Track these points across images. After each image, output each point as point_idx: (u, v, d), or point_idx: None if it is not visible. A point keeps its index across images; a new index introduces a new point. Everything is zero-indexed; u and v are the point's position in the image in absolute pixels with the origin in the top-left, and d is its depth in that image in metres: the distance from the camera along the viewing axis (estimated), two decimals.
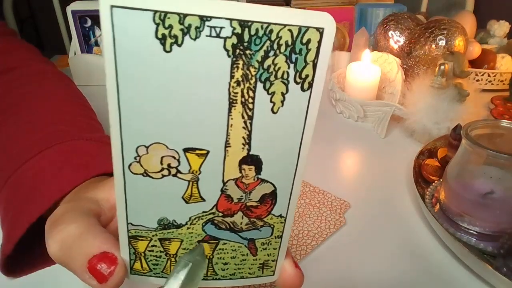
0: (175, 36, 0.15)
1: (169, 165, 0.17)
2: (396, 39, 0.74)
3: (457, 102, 0.56)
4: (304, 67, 0.16)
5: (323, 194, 0.48)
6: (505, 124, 0.41)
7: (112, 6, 0.14)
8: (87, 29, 0.75)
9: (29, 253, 0.27)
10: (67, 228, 0.20)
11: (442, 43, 0.66)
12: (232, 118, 0.17)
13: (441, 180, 0.45)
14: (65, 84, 0.41)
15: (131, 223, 0.19)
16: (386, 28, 0.75)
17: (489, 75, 0.77)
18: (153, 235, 0.19)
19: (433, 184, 0.48)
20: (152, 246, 0.20)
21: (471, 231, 0.39)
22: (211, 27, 0.14)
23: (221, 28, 0.15)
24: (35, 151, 0.28)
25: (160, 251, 0.20)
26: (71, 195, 0.25)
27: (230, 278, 0.22)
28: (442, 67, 0.57)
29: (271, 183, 0.19)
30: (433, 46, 0.67)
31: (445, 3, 1.29)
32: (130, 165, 0.17)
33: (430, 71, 0.66)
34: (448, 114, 0.56)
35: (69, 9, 0.72)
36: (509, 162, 0.37)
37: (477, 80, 0.78)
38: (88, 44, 0.76)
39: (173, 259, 0.20)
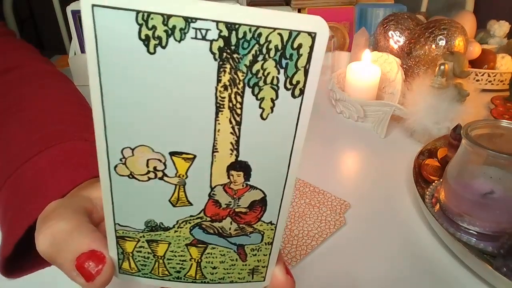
0: (159, 38, 0.14)
1: (155, 168, 0.17)
2: (396, 39, 0.74)
3: (457, 102, 0.56)
4: (295, 73, 0.15)
5: (323, 194, 0.48)
6: (505, 124, 0.41)
7: (94, 5, 0.13)
8: None
9: (29, 253, 0.27)
10: (58, 224, 0.20)
11: (442, 43, 0.66)
12: (219, 123, 0.16)
13: (441, 180, 0.45)
14: (65, 84, 0.41)
15: (118, 224, 0.19)
16: (386, 28, 0.75)
17: (489, 75, 0.77)
18: (140, 237, 0.19)
19: (433, 184, 0.48)
20: (140, 247, 0.20)
21: (471, 231, 0.39)
22: (196, 29, 0.14)
23: (207, 30, 0.14)
24: (34, 151, 0.28)
25: (148, 252, 0.20)
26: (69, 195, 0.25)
27: (219, 282, 0.21)
28: (442, 67, 0.57)
29: (260, 190, 0.18)
30: (433, 46, 0.67)
31: (445, 3, 1.28)
32: (116, 166, 0.17)
33: (430, 71, 0.66)
34: (448, 114, 0.56)
35: (69, 9, 0.72)
36: (509, 162, 0.37)
37: (477, 80, 0.77)
38: None
39: (161, 261, 0.20)
